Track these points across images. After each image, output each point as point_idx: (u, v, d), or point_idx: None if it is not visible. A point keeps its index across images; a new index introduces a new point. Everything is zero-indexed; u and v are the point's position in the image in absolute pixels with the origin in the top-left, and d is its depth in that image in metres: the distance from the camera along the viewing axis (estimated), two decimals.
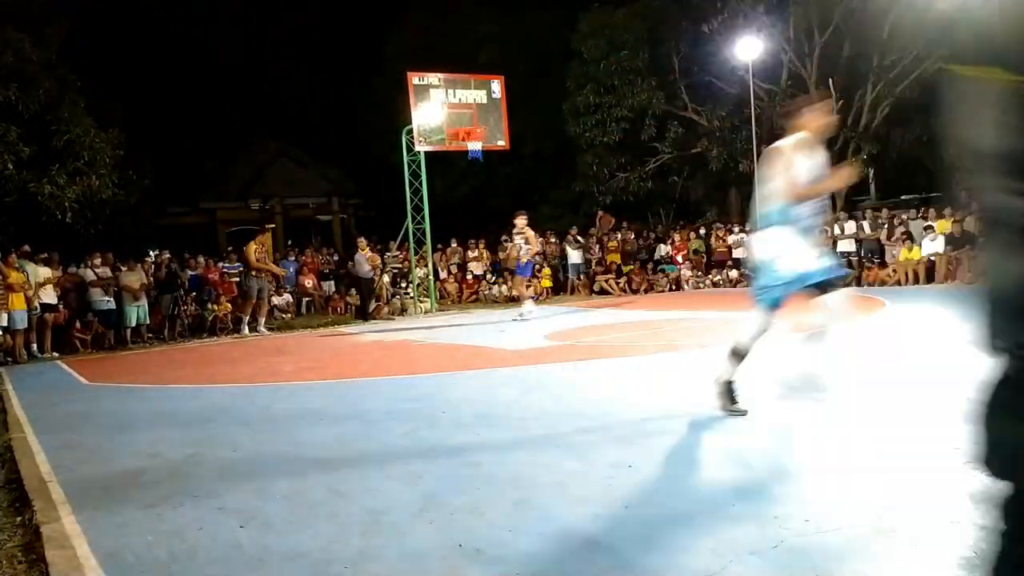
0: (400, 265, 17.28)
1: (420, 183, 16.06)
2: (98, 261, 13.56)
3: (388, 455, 4.58)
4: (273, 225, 21.16)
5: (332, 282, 18.23)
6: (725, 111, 23.92)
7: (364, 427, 5.41)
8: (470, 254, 20.24)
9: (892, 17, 20.45)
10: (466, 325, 12.99)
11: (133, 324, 13.42)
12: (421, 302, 16.08)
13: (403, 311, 15.86)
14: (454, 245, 20.61)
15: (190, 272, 15.09)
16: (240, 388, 7.78)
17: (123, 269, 13.65)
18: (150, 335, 13.74)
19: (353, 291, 16.57)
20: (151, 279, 14.06)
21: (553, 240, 20.18)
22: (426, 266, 17.07)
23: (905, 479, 3.48)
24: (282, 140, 29.99)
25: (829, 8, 21.40)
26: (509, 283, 17.85)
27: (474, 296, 18.81)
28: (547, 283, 18.43)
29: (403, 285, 17.08)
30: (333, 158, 30.58)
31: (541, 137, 26.71)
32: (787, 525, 2.98)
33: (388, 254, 17.14)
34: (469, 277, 19.62)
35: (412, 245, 16.46)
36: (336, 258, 19.71)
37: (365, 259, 15.35)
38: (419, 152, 15.81)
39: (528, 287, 14.79)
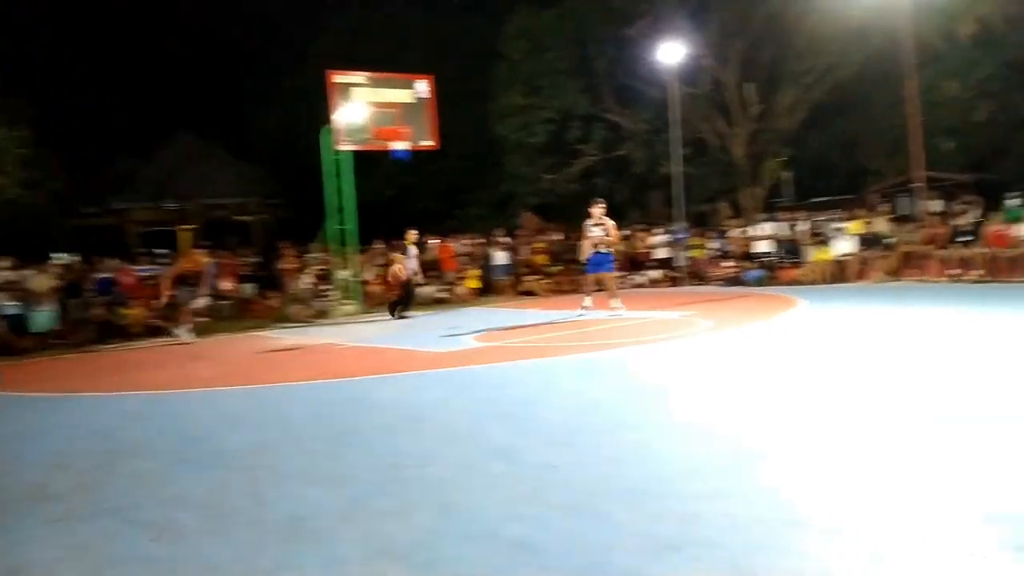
0: (320, 267, 16.96)
1: (343, 183, 15.82)
2: (3, 264, 12.89)
3: (311, 461, 4.48)
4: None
5: (251, 285, 17.71)
6: (649, 114, 24.38)
7: (286, 433, 5.28)
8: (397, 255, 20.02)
9: (809, 24, 21.22)
10: (392, 327, 12.85)
11: (40, 329, 12.78)
12: (344, 304, 15.83)
13: (325, 314, 15.58)
14: (379, 246, 20.36)
15: (101, 275, 14.45)
16: (155, 395, 7.49)
17: (30, 272, 13.00)
18: (59, 340, 13.10)
19: (275, 293, 16.18)
20: (59, 282, 13.41)
21: (480, 240, 20.16)
22: (349, 267, 16.81)
23: (817, 470, 3.60)
24: (199, 138, 29.08)
25: (749, 14, 22.05)
26: (437, 284, 17.76)
27: None
28: (474, 284, 18.39)
29: (324, 288, 16.76)
30: (253, 157, 29.81)
31: (468, 138, 26.68)
32: (705, 520, 3.05)
33: (309, 256, 16.83)
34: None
35: (335, 246, 16.19)
36: (256, 260, 19.18)
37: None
38: (343, 151, 15.56)
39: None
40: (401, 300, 14.48)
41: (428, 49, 25.29)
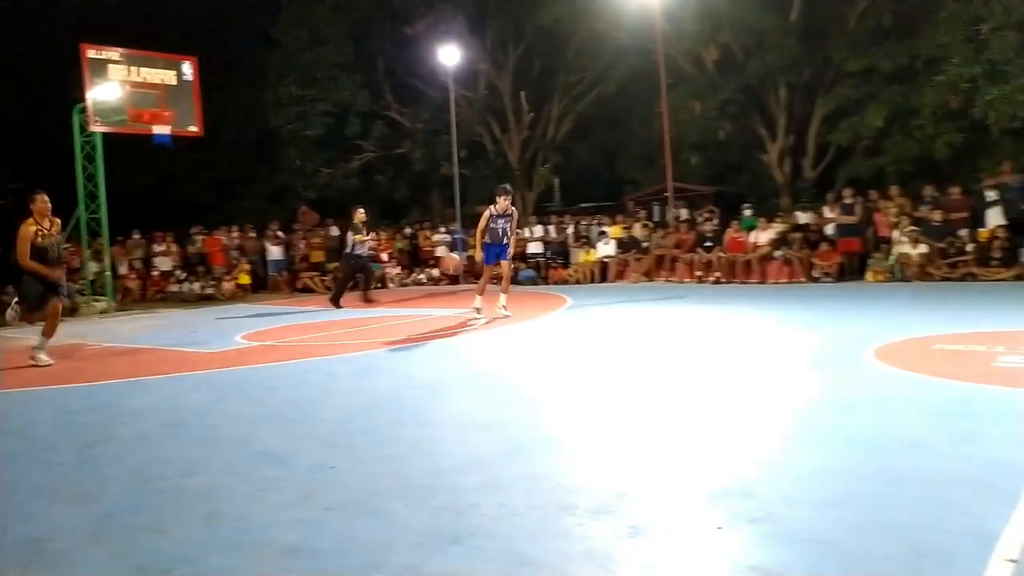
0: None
1: (95, 168, 14.36)
2: None
3: (55, 475, 4.02)
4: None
5: None
6: (428, 114, 24.59)
7: (25, 445, 4.70)
8: (156, 247, 18.55)
9: (576, 41, 22.53)
10: (151, 326, 11.87)
11: None
12: (96, 301, 14.37)
13: (73, 311, 14.04)
14: (136, 237, 18.74)
15: None
16: None
17: None
18: None
19: (11, 288, 14.30)
20: None
21: (252, 234, 19.23)
22: (101, 260, 15.30)
23: (586, 457, 3.85)
24: None
25: (522, 25, 22.98)
26: (201, 280, 16.70)
27: (161, 294, 17.28)
28: (245, 280, 17.49)
29: (74, 283, 15.11)
30: None
31: (242, 126, 25.31)
32: (483, 511, 3.14)
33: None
34: (155, 273, 17.97)
35: (85, 237, 14.66)
36: None
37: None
38: (94, 133, 14.13)
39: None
40: (343, 285, 13.57)
41: (198, 29, 23.63)
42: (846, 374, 5.69)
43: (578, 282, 16.83)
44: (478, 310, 10.36)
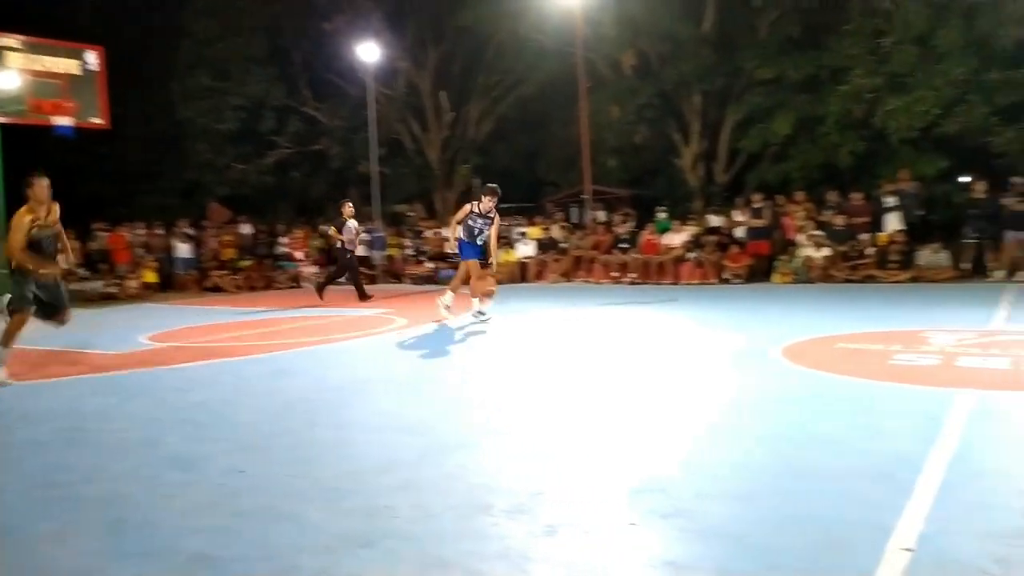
0: None
1: None
2: None
3: None
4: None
5: None
6: (346, 111, 24.20)
7: None
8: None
9: (496, 42, 22.56)
10: (48, 327, 11.26)
11: None
12: None
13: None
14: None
15: None
16: None
17: None
18: None
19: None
20: None
21: (159, 231, 18.50)
22: None
23: (502, 456, 3.85)
24: None
25: (442, 24, 22.88)
26: (104, 279, 15.97)
27: None
28: (151, 278, 16.80)
29: None
30: None
31: (150, 118, 24.31)
32: (398, 513, 3.11)
33: None
34: None
35: None
36: None
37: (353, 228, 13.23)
38: None
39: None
40: (334, 277, 13.40)
41: (105, 16, 22.57)
42: (756, 372, 5.88)
43: (498, 282, 16.82)
44: (476, 313, 9.76)
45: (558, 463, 3.73)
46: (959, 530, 2.73)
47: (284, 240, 19.33)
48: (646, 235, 15.87)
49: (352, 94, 23.40)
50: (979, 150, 16.27)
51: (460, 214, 9.89)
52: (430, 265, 17.98)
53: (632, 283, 15.22)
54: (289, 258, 18.97)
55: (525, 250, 17.14)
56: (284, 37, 23.86)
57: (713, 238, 15.19)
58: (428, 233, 18.96)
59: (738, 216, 15.66)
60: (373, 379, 6.32)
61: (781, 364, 6.13)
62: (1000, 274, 12.42)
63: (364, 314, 11.07)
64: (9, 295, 6.81)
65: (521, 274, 16.94)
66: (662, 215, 16.58)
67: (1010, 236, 12.57)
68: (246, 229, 19.31)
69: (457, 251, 10.14)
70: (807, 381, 5.54)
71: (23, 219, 6.61)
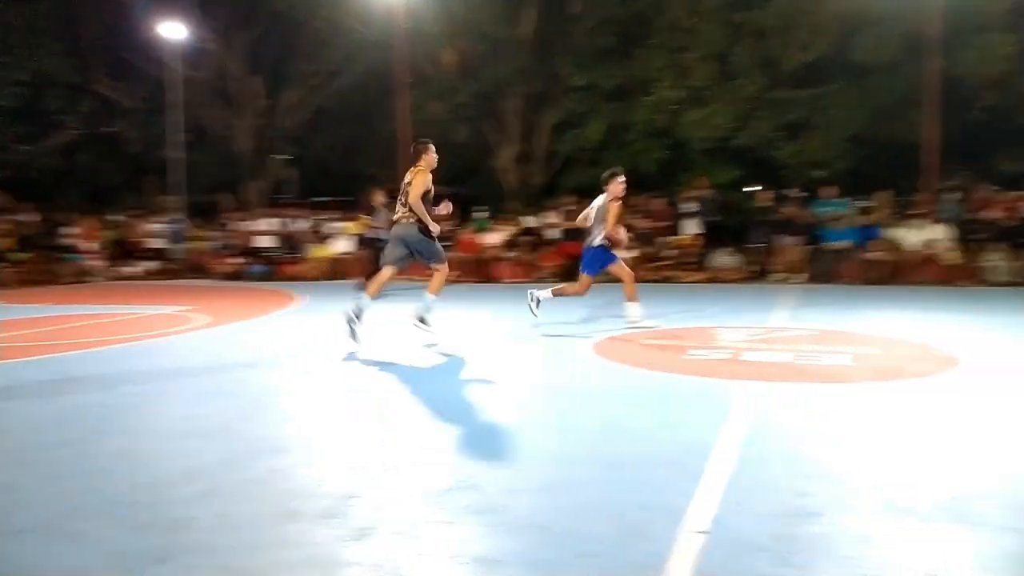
0: None
1: None
2: None
3: None
4: None
5: None
6: (145, 91, 22.51)
7: None
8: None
9: (312, 29, 21.88)
10: None
11: None
12: None
13: None
14: None
15: None
16: None
17: None
18: None
19: None
20: None
21: None
22: None
23: (310, 460, 3.73)
24: None
25: (254, 6, 21.85)
26: None
27: None
28: None
29: None
30: None
31: None
32: (199, 525, 2.92)
33: None
34: None
35: None
36: None
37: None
38: None
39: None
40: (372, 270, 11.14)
41: None
42: (567, 367, 6.12)
43: (313, 278, 16.37)
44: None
45: (370, 465, 3.67)
46: (745, 511, 2.97)
47: (71, 231, 17.63)
48: (465, 234, 16.05)
49: (153, 74, 21.78)
50: (766, 161, 17.96)
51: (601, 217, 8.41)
52: (238, 260, 17.15)
53: (454, 281, 15.29)
54: (75, 250, 17.33)
55: (342, 245, 16.76)
56: (73, 9, 21.78)
57: (529, 238, 15.64)
58: (236, 225, 18.06)
59: (551, 218, 16.22)
60: (171, 382, 5.89)
61: (591, 359, 6.42)
62: (779, 276, 13.77)
63: (162, 312, 10.34)
64: None
65: (338, 270, 16.55)
66: (481, 215, 16.83)
67: (788, 241, 13.98)
68: (27, 216, 17.43)
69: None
70: (613, 374, 5.83)
71: None
